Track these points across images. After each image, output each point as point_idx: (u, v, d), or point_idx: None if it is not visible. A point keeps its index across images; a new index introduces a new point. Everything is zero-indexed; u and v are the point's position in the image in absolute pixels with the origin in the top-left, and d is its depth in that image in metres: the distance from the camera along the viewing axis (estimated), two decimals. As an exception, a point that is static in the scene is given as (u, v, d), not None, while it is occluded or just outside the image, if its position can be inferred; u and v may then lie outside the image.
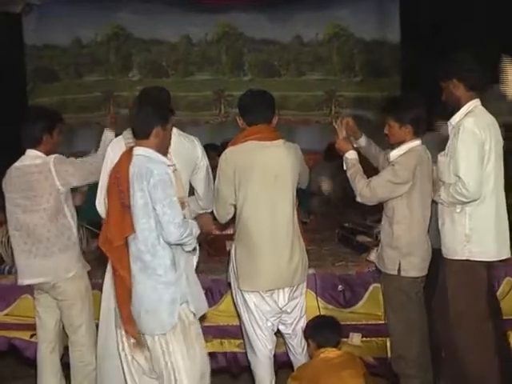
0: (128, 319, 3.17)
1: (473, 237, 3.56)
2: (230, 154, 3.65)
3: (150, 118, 3.21)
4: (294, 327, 3.81)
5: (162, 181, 3.08)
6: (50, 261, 3.77)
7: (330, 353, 3.56)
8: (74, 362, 3.91)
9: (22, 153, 3.87)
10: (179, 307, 3.17)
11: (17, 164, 3.85)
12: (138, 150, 3.19)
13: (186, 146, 3.67)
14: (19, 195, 3.78)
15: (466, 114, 3.55)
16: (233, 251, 3.73)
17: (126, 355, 3.32)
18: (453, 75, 3.59)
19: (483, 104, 3.66)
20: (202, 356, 3.31)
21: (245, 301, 3.69)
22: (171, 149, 3.50)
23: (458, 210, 3.57)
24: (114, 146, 3.69)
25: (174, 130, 3.57)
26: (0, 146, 6.10)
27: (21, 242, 3.83)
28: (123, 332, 3.27)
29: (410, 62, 8.05)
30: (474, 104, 3.60)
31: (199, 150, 3.74)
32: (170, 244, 3.14)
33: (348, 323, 4.10)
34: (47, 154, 3.81)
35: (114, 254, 3.18)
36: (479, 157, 3.49)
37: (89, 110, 8.92)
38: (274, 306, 3.69)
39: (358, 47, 9.22)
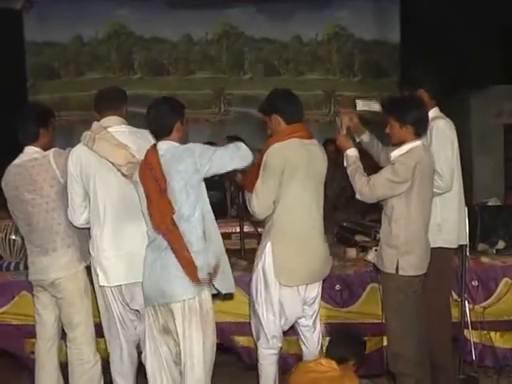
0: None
1: (444, 226, 3.89)
2: (280, 149, 3.65)
3: (169, 115, 3.43)
4: (314, 320, 3.87)
5: (201, 147, 3.38)
6: (56, 256, 3.77)
7: (321, 365, 3.65)
8: (72, 359, 3.90)
9: (21, 150, 3.88)
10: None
11: (16, 161, 3.86)
12: (163, 144, 3.39)
13: (138, 143, 3.65)
14: (23, 191, 3.77)
15: (434, 118, 3.89)
16: (268, 248, 3.71)
17: (155, 339, 3.45)
18: (419, 86, 3.96)
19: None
20: (214, 341, 3.47)
21: (270, 298, 3.72)
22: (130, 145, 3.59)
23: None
24: (75, 161, 3.68)
25: (125, 126, 3.70)
26: (0, 142, 6.09)
27: (33, 238, 3.83)
28: (153, 313, 3.42)
29: (409, 62, 8.06)
30: (437, 110, 4.01)
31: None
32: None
33: (345, 322, 4.18)
34: (44, 149, 3.82)
35: (168, 235, 3.32)
36: (451, 153, 3.90)
37: (89, 108, 8.89)
38: (300, 304, 3.77)
39: (357, 47, 9.23)
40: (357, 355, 3.79)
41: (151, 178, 3.31)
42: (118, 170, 3.56)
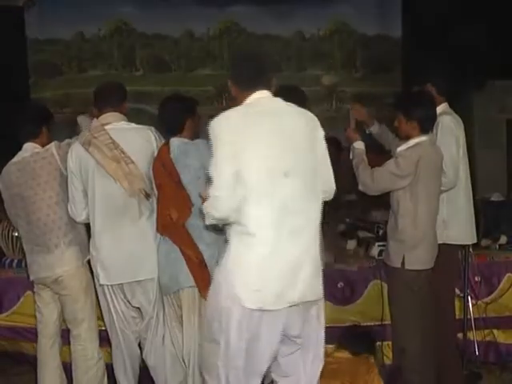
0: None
1: (449, 222, 3.91)
2: None
3: (180, 113, 3.57)
4: None
5: (205, 143, 3.38)
6: (59, 252, 3.77)
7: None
8: (75, 356, 3.91)
9: (20, 148, 3.88)
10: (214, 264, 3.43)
11: (15, 159, 3.86)
12: (174, 141, 3.52)
13: (138, 141, 3.66)
14: (24, 188, 3.78)
15: (441, 114, 3.89)
16: None
17: (172, 327, 3.66)
18: (427, 80, 3.99)
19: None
20: None
21: None
22: (124, 144, 3.58)
23: None
24: (74, 158, 3.68)
25: (125, 123, 3.69)
26: (2, 139, 6.09)
27: (33, 237, 3.83)
28: (169, 301, 3.61)
29: (411, 58, 8.04)
30: (445, 106, 4.03)
31: (154, 142, 3.69)
32: None
33: (344, 325, 4.17)
34: (43, 147, 3.83)
35: (176, 235, 3.47)
36: (456, 149, 3.90)
37: (91, 105, 8.88)
38: None
39: (359, 43, 9.21)
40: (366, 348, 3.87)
41: (165, 174, 3.46)
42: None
